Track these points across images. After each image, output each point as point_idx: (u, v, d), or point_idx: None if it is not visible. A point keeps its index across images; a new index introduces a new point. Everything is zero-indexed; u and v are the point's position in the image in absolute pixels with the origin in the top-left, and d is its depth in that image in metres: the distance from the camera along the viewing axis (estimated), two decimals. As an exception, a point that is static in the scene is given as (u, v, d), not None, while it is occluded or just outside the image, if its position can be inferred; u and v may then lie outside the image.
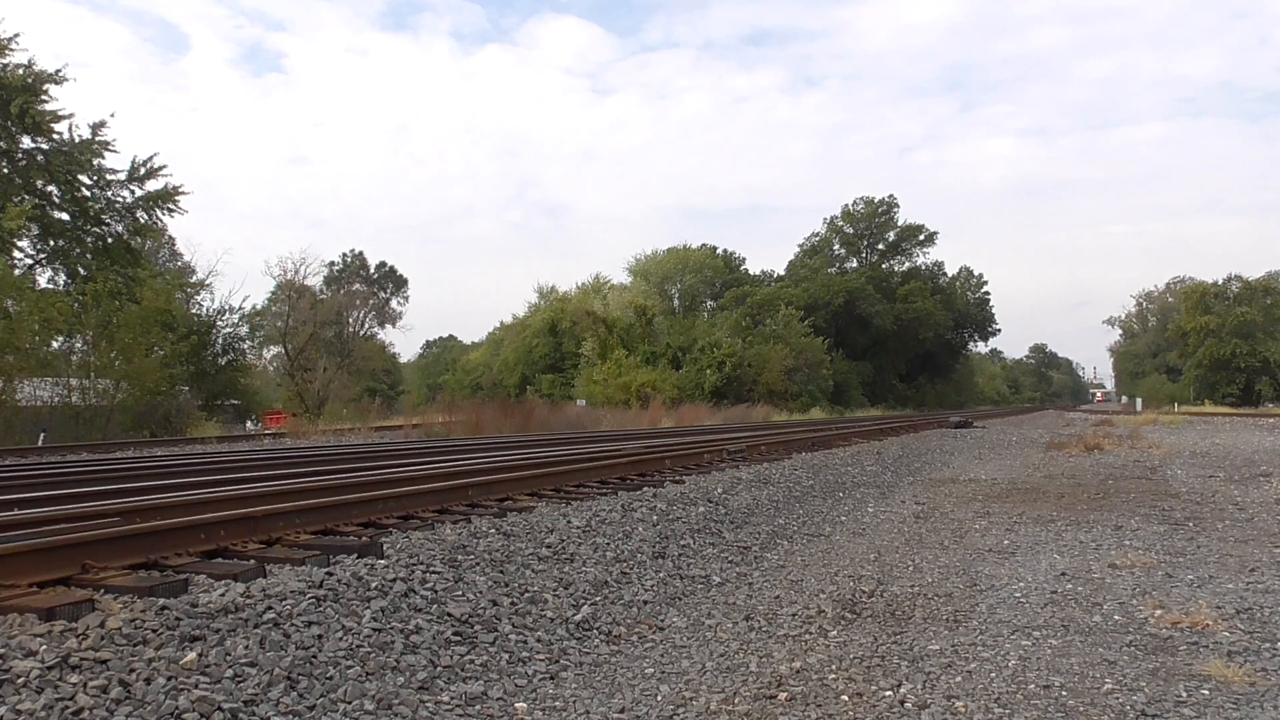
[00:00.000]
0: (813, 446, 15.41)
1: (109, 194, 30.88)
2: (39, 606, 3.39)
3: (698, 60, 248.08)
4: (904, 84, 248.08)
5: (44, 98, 28.55)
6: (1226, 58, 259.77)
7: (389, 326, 73.38)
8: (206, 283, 36.95)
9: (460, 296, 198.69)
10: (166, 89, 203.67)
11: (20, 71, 28.30)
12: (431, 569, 4.62)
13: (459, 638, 4.00)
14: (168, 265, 48.40)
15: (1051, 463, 14.73)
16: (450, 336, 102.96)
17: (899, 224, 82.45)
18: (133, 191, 31.23)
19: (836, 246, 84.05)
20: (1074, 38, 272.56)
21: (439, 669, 3.68)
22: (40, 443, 19.53)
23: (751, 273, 79.91)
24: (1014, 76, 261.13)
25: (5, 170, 29.03)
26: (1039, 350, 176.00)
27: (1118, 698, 3.51)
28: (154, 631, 3.27)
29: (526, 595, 4.67)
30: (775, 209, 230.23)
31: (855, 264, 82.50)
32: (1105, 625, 4.57)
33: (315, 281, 57.33)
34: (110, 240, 31.08)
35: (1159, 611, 4.76)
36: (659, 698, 3.62)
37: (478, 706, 3.45)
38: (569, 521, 6.25)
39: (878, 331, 70.69)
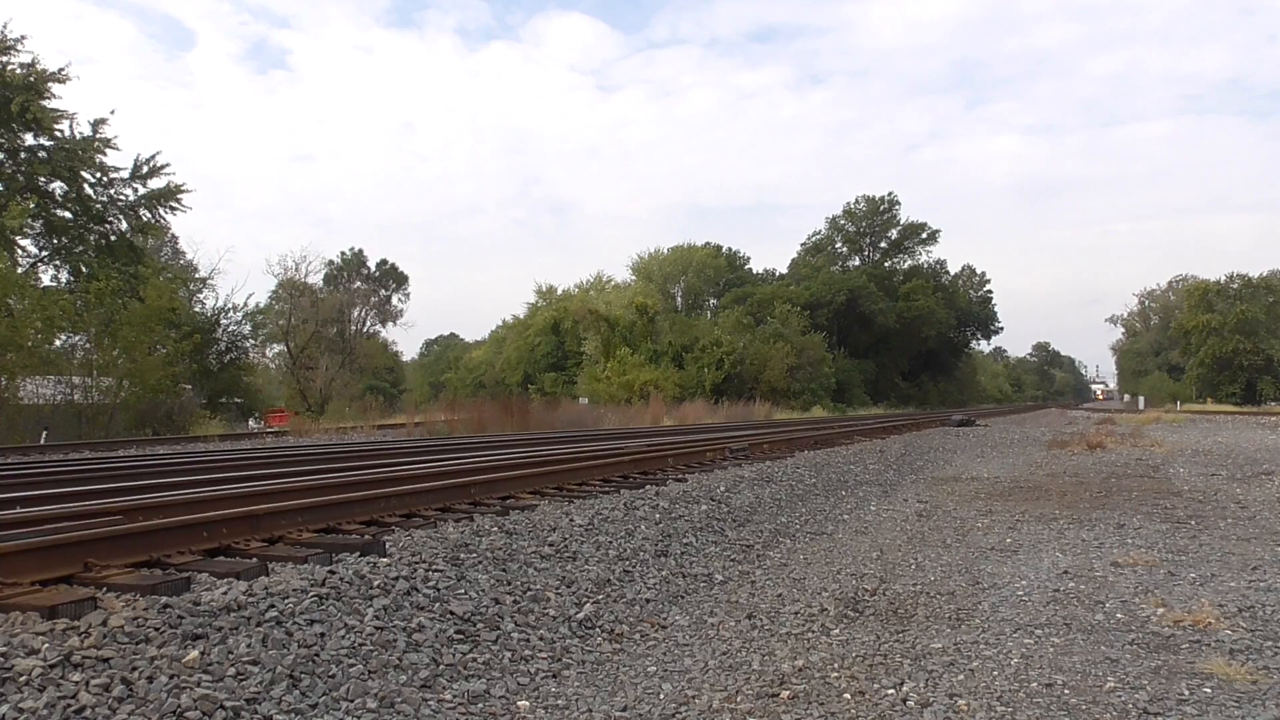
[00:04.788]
0: (815, 445, 15.40)
1: (112, 192, 30.94)
2: (41, 605, 3.39)
3: (703, 57, 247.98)
4: (910, 81, 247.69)
5: (47, 95, 28.58)
6: (1234, 55, 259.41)
7: (390, 324, 73.48)
8: (209, 280, 37.00)
9: (463, 294, 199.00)
10: (171, 86, 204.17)
11: (22, 70, 28.32)
12: (434, 567, 4.63)
13: (461, 636, 4.00)
14: (170, 263, 48.44)
15: (1054, 461, 14.71)
16: (452, 334, 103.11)
17: (901, 222, 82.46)
18: (136, 189, 31.31)
19: (838, 245, 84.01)
20: (1081, 34, 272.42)
21: (441, 667, 3.68)
22: (42, 441, 19.55)
23: (756, 271, 79.98)
24: (1020, 73, 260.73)
25: (8, 169, 29.06)
26: (1042, 348, 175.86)
27: (1120, 696, 3.51)
28: (156, 630, 3.27)
29: (529, 593, 4.67)
30: (781, 206, 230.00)
31: (857, 262, 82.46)
32: (1108, 623, 4.57)
33: (316, 279, 57.43)
34: (113, 238, 31.12)
35: (1161, 610, 4.75)
36: (661, 696, 3.62)
37: (480, 705, 3.45)
38: (571, 520, 6.25)
39: (880, 330, 70.63)
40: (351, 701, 3.22)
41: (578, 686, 3.74)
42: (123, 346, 24.76)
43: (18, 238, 27.96)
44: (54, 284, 29.88)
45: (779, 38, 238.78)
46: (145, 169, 31.20)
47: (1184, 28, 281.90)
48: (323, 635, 3.59)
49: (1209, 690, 3.56)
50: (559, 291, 68.31)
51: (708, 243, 77.42)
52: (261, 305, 48.34)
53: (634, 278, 70.58)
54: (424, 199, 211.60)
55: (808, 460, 12.28)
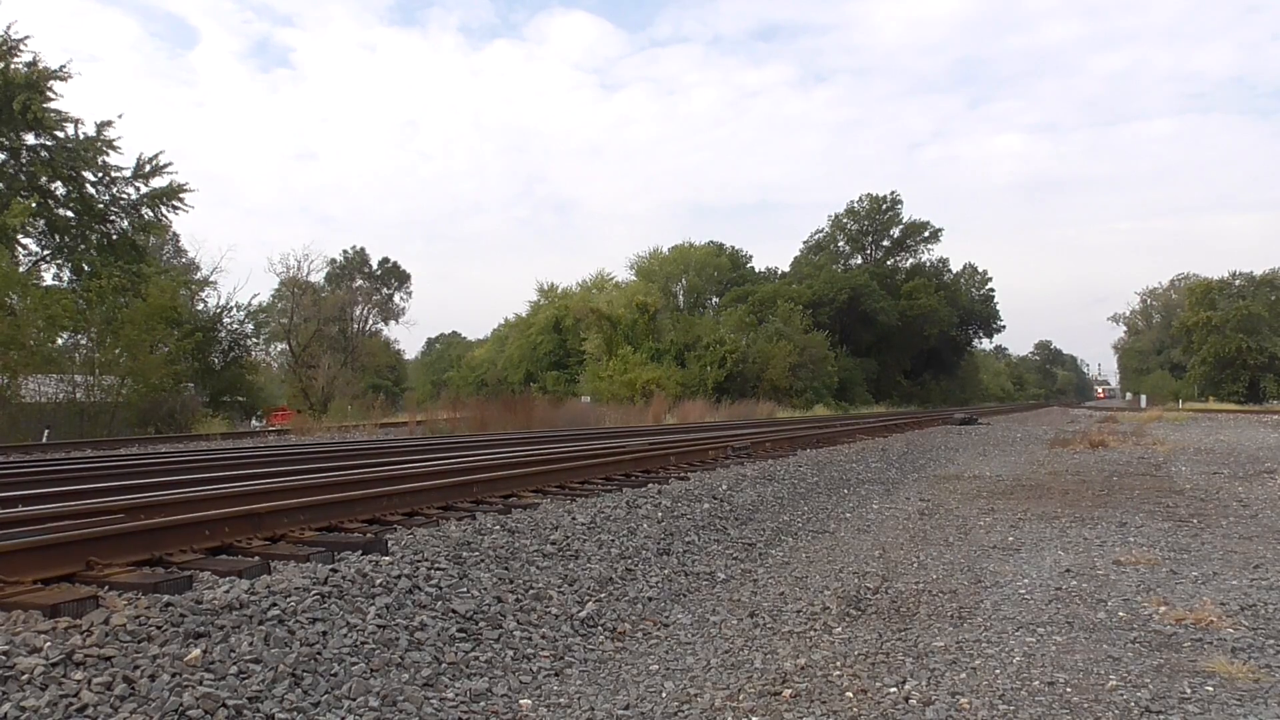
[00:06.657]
0: (817, 443, 15.40)
1: (114, 190, 30.95)
2: (43, 603, 3.40)
3: (707, 55, 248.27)
4: (914, 79, 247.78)
5: (49, 94, 28.59)
6: (1238, 53, 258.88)
7: (393, 323, 73.52)
8: (211, 279, 36.98)
9: (466, 292, 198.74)
10: (174, 84, 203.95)
11: (24, 69, 28.32)
12: (436, 565, 4.63)
13: (464, 634, 4.00)
14: (172, 261, 48.46)
15: (1056, 459, 14.70)
16: (454, 333, 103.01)
17: (903, 221, 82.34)
18: (138, 188, 31.32)
19: (841, 243, 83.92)
20: (1086, 32, 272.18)
21: (444, 666, 3.68)
22: (45, 439, 19.57)
23: (758, 269, 79.94)
24: (1024, 72, 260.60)
25: (10, 169, 29.07)
26: (1044, 347, 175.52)
27: (1122, 694, 3.51)
28: (158, 628, 3.27)
29: (531, 592, 4.67)
30: (784, 205, 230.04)
31: (860, 261, 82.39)
32: (1110, 622, 4.57)
33: (318, 278, 57.43)
34: (115, 237, 31.12)
35: (1163, 608, 4.75)
36: (663, 694, 3.62)
37: (482, 703, 3.45)
38: (574, 518, 6.25)
39: (882, 328, 70.54)
40: (354, 700, 3.22)
41: (580, 685, 3.74)
42: (124, 345, 24.76)
43: (20, 236, 27.97)
44: (56, 283, 29.90)
45: (782, 36, 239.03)
46: (148, 168, 31.21)
47: (1188, 26, 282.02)
48: (325, 634, 3.59)
49: (1211, 688, 3.55)
50: (561, 290, 68.30)
51: (710, 241, 77.38)
52: (264, 304, 48.32)
53: (635, 277, 70.54)
54: (426, 197, 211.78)
55: (810, 459, 12.28)
